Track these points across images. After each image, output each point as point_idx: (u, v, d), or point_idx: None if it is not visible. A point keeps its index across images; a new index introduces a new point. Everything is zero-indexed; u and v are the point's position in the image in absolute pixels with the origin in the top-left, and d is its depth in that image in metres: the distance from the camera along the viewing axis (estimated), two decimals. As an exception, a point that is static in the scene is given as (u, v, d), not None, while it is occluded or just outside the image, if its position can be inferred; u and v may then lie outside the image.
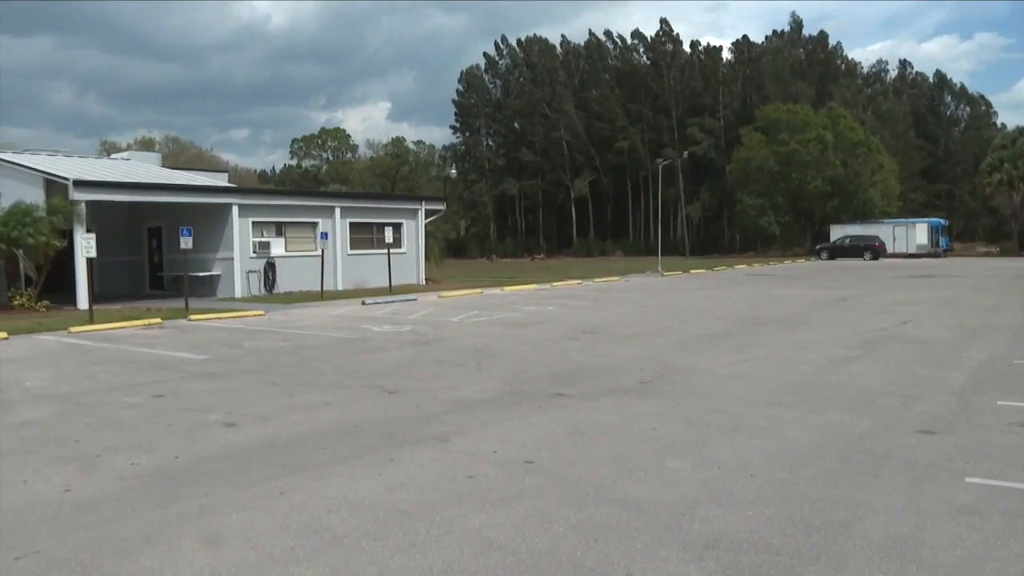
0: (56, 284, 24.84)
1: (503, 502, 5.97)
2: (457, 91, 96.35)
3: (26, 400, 10.28)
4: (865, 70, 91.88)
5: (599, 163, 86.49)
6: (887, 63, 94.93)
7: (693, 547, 5.06)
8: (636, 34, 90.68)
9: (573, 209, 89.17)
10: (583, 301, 24.61)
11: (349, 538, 5.31)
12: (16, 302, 23.06)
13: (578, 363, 12.44)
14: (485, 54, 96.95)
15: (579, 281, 34.43)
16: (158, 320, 19.57)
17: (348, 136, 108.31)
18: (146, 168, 34.38)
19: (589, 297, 26.30)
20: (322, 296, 26.47)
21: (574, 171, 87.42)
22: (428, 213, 35.07)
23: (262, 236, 28.65)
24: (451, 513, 5.75)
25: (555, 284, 32.72)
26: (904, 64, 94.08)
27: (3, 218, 23.19)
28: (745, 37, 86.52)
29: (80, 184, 24.22)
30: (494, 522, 5.55)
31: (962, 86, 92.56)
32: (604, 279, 36.21)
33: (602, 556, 4.95)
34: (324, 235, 29.26)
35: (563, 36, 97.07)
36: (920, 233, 60.96)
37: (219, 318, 20.43)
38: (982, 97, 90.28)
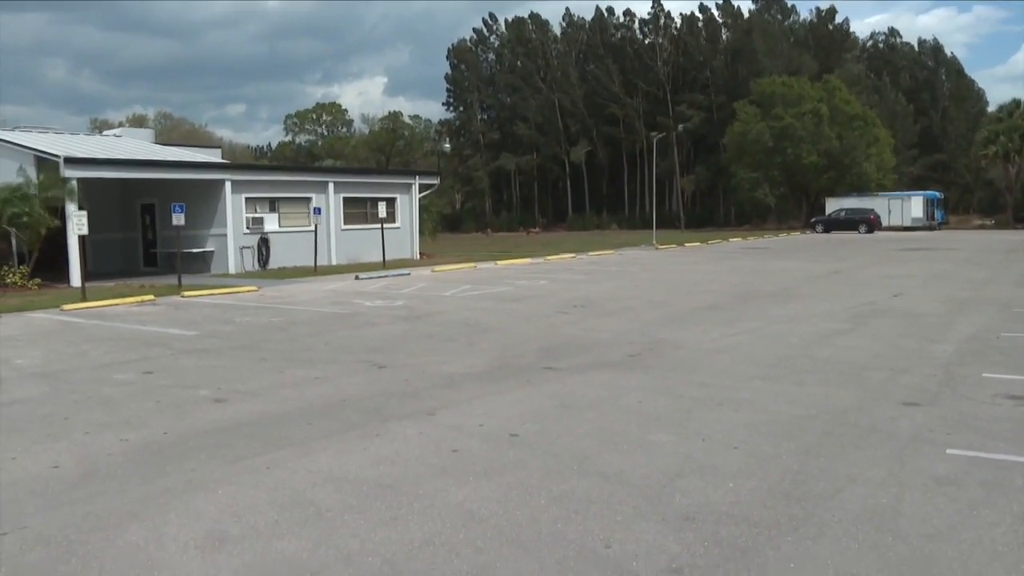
0: (49, 262, 24.79)
1: (486, 475, 6.02)
2: (449, 66, 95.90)
3: (16, 378, 10.30)
4: (861, 41, 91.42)
5: (595, 135, 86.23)
6: (882, 35, 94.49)
7: (673, 519, 5.11)
8: (628, 13, 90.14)
9: (568, 183, 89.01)
10: (576, 275, 24.63)
11: (333, 511, 5.36)
12: (8, 280, 23.01)
13: (568, 337, 12.48)
14: (475, 29, 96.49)
15: (573, 255, 34.44)
16: (151, 297, 19.57)
17: (344, 111, 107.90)
18: (138, 144, 34.22)
19: (582, 271, 26.32)
20: (315, 271, 26.48)
21: (569, 141, 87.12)
22: (422, 188, 35.02)
23: (255, 212, 28.60)
24: (434, 486, 5.80)
25: (549, 258, 32.74)
26: (898, 35, 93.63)
27: (-6, 195, 23.11)
28: (738, 8, 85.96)
29: (71, 161, 24.09)
30: (477, 495, 5.60)
31: (953, 56, 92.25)
32: (598, 253, 36.23)
33: (582, 528, 5.00)
34: (317, 210, 29.22)
35: (567, 9, 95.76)
36: (915, 206, 60.95)
37: (212, 294, 20.44)
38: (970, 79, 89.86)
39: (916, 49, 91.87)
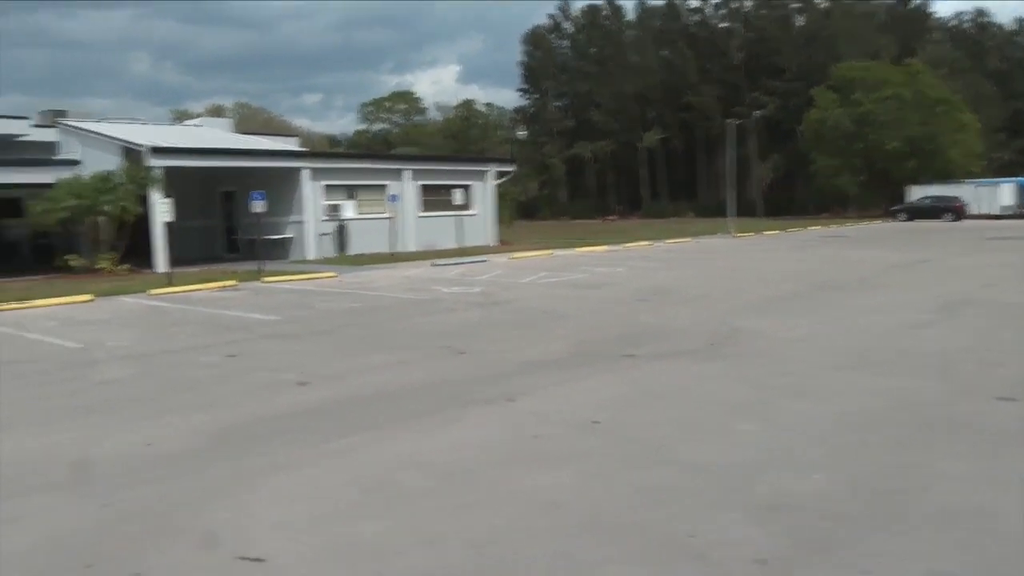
0: (136, 248, 25.55)
1: (567, 461, 6.01)
2: (524, 52, 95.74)
3: (110, 360, 10.66)
4: (944, 23, 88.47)
5: (670, 121, 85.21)
6: (969, 15, 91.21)
7: (757, 510, 5.03)
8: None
9: (644, 170, 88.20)
10: (653, 262, 24.42)
11: (414, 495, 5.42)
12: (99, 266, 23.81)
13: (646, 325, 12.38)
14: (549, 15, 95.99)
15: (649, 242, 34.15)
16: (233, 282, 20.04)
17: (418, 99, 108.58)
18: (218, 133, 35.04)
19: (659, 258, 26.09)
20: (393, 258, 26.77)
21: (644, 128, 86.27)
22: (498, 175, 35.11)
23: (333, 199, 29.03)
24: (515, 471, 5.82)
25: (626, 245, 32.51)
26: (986, 15, 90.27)
27: (86, 186, 23.94)
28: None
29: (156, 151, 24.81)
30: (557, 482, 5.60)
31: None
32: (675, 240, 35.86)
33: (665, 516, 4.96)
34: (394, 197, 29.52)
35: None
36: (1005, 193, 58.71)
37: (292, 280, 20.83)
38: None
39: (1008, 29, 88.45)
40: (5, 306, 16.33)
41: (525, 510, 5.11)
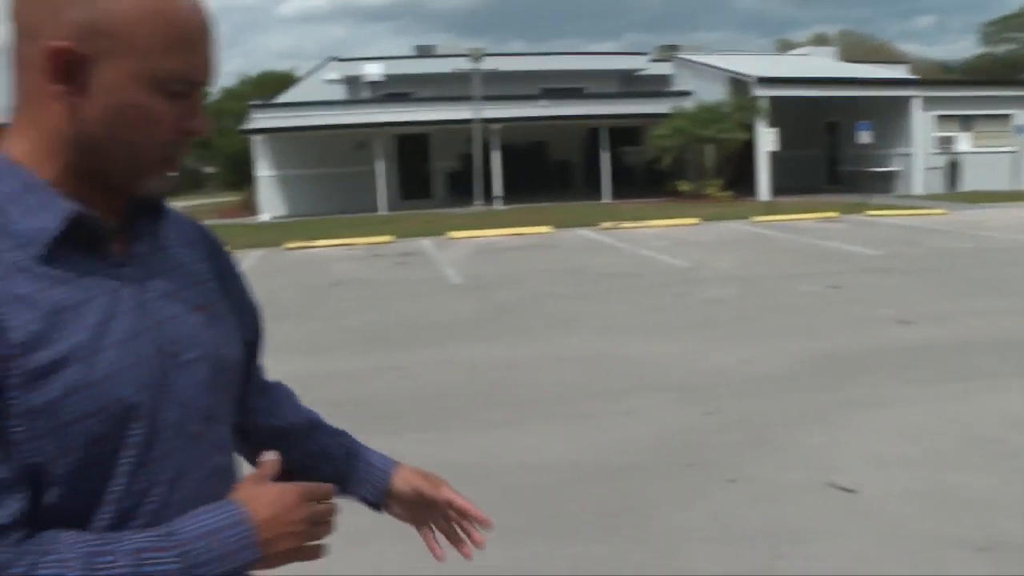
0: (739, 176, 26.53)
1: None
2: None
3: (714, 280, 11.35)
4: None
5: None
6: None
7: None
8: None
9: None
10: None
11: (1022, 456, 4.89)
12: (705, 192, 25.28)
13: None
14: None
15: None
16: (835, 214, 19.79)
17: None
18: (823, 63, 34.35)
19: None
20: (1014, 196, 23.97)
21: None
22: None
23: (945, 131, 26.82)
24: None
25: None
26: None
27: (693, 115, 25.45)
28: None
29: (762, 81, 25.30)
30: None
31: None
32: None
33: None
34: (1020, 128, 26.28)
35: None
36: None
37: (896, 215, 19.87)
38: None
39: None
40: (624, 225, 18.27)
41: None
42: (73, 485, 0.95)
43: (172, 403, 1.03)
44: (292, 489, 1.05)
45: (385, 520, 1.40)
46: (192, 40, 1.00)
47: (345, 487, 1.35)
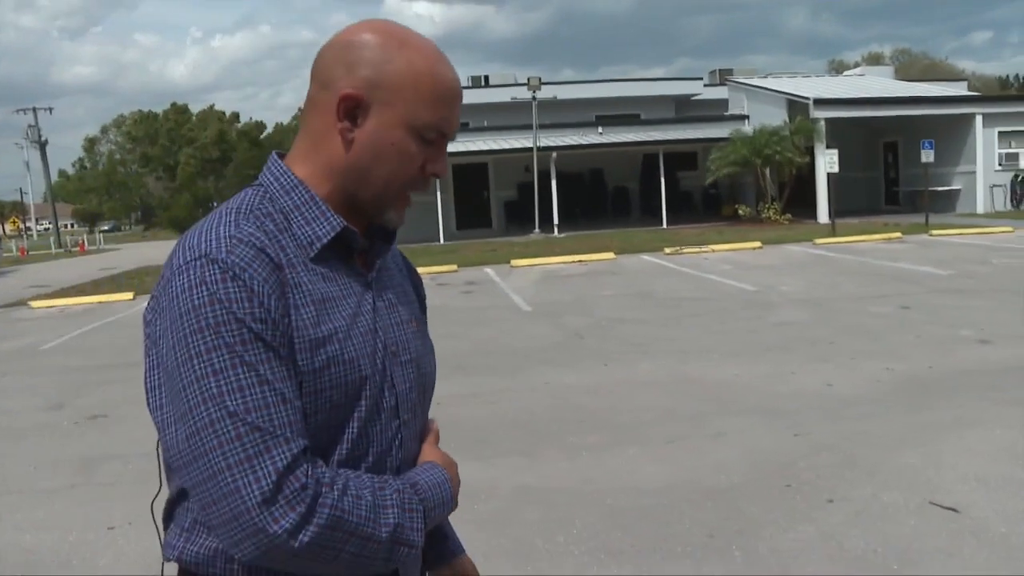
0: (796, 198, 26.41)
1: None
2: None
3: (783, 303, 11.35)
4: None
5: None
6: None
7: None
8: None
9: None
10: None
11: None
12: (764, 215, 25.19)
13: None
14: None
15: None
16: (898, 235, 19.60)
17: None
18: (880, 82, 34.11)
19: None
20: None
21: None
22: None
23: (1009, 147, 26.44)
24: None
25: None
26: None
27: (752, 138, 25.43)
28: None
29: (820, 103, 25.24)
30: None
31: None
32: None
33: None
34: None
35: None
36: None
37: (961, 234, 19.60)
38: None
39: None
40: (686, 250, 18.30)
41: None
42: (312, 441, 1.17)
43: (391, 390, 1.29)
44: (449, 455, 1.37)
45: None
46: (447, 100, 1.26)
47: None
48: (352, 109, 1.22)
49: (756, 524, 4.45)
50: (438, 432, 1.42)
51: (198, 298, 1.12)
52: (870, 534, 4.23)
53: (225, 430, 1.08)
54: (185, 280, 1.14)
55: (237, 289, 1.12)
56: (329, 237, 1.24)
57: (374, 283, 1.31)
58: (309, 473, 1.10)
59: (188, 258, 1.15)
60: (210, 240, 1.16)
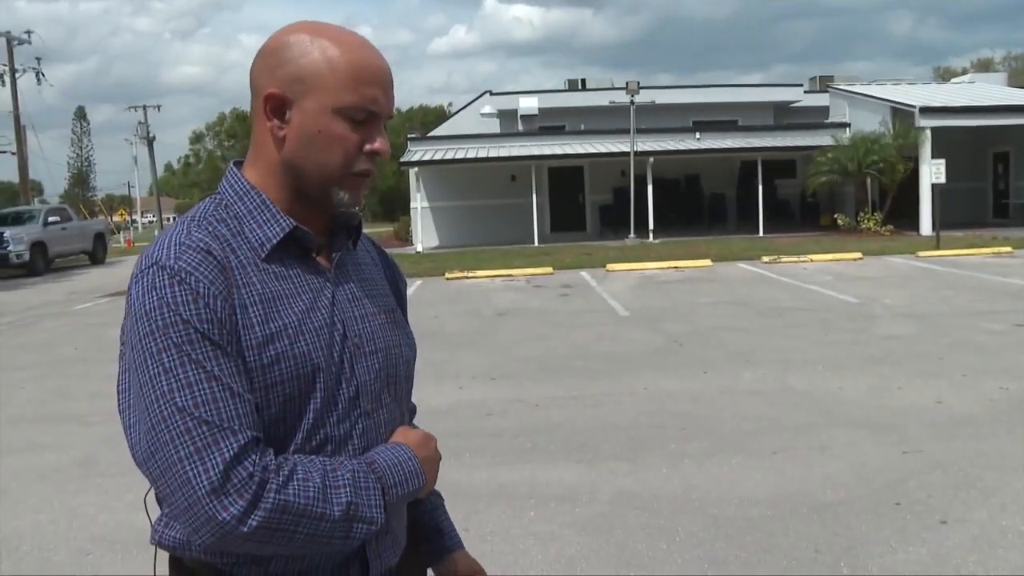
0: (897, 209, 25.65)
1: None
2: None
3: (888, 316, 11.06)
4: None
5: None
6: None
7: None
8: None
9: None
10: None
11: None
12: (863, 225, 24.54)
13: None
14: None
15: None
16: (1008, 248, 18.86)
17: None
18: (991, 90, 32.83)
19: None
20: None
21: None
22: None
23: None
24: None
25: None
26: None
27: (852, 147, 24.79)
28: None
29: (926, 111, 24.45)
30: None
31: None
32: None
33: None
34: None
35: None
36: None
37: (1074, 250, 18.80)
38: None
39: None
40: (785, 259, 17.98)
41: None
42: (268, 432, 1.24)
43: (349, 381, 1.33)
44: (426, 433, 1.42)
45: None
46: (368, 80, 1.30)
47: (415, 532, 1.58)
48: (279, 107, 1.30)
49: (865, 542, 4.37)
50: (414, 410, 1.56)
51: (149, 303, 1.21)
52: (989, 560, 4.11)
53: (175, 425, 1.16)
54: (140, 287, 1.23)
55: (184, 292, 1.20)
56: (279, 238, 1.31)
57: (333, 277, 1.37)
58: (256, 462, 1.16)
59: (143, 266, 1.25)
60: (162, 248, 1.25)
